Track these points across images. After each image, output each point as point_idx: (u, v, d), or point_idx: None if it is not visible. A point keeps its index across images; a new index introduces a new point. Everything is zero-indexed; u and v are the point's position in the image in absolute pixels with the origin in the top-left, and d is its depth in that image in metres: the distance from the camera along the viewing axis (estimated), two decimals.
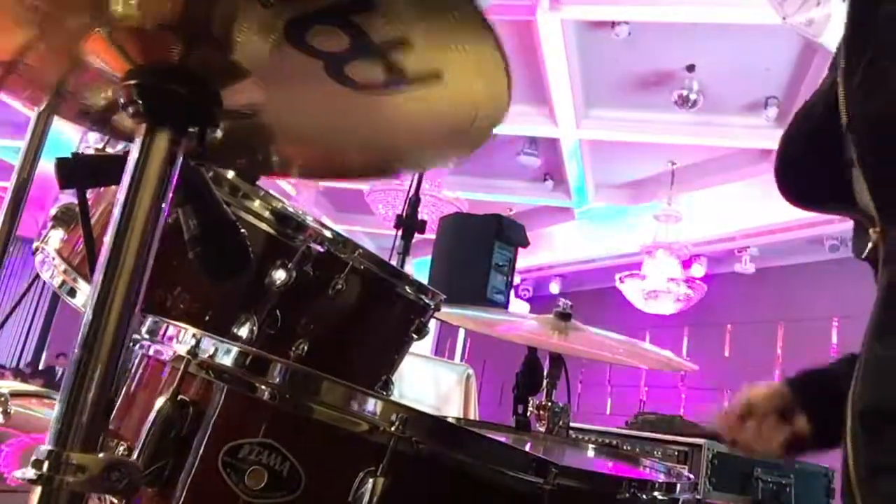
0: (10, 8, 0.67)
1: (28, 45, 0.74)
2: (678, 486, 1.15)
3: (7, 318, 2.17)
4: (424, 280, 1.46)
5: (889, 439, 0.73)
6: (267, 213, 1.18)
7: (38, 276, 1.39)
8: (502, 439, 1.34)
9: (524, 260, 5.83)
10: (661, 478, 1.39)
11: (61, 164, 0.84)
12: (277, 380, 0.85)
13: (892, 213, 0.79)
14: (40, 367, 8.25)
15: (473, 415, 3.61)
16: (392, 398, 1.17)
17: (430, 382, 3.47)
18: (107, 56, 0.70)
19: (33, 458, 0.62)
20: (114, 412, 0.92)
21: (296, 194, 7.99)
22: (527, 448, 1.49)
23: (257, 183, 1.18)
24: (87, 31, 0.68)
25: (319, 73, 0.69)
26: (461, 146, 0.83)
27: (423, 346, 2.20)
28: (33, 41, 0.72)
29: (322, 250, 1.21)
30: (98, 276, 0.66)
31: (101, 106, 0.85)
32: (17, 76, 0.80)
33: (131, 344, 0.94)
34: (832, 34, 3.64)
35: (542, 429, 1.86)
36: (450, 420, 1.62)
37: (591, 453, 1.67)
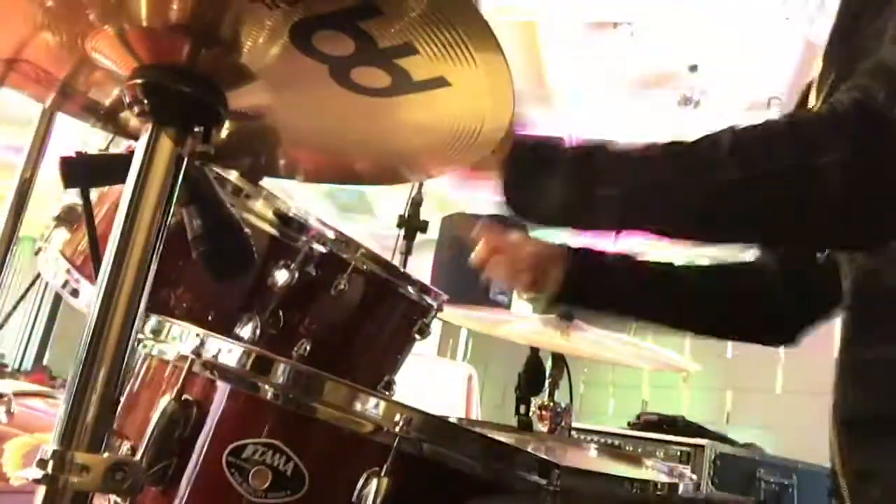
0: (18, 4, 0.67)
1: (35, 42, 0.74)
2: (680, 486, 1.15)
3: (9, 316, 2.17)
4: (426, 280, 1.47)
5: (876, 446, 0.73)
6: (269, 214, 1.18)
7: (39, 275, 1.39)
8: (505, 440, 1.34)
9: None
10: (664, 478, 1.38)
11: (65, 163, 0.84)
12: (281, 380, 0.85)
13: None
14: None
15: (475, 415, 3.61)
16: (395, 398, 1.17)
17: (431, 383, 3.47)
18: (114, 54, 0.70)
19: (38, 457, 0.62)
20: (118, 412, 0.93)
21: (297, 194, 7.98)
22: (529, 448, 1.49)
23: (260, 184, 1.18)
24: (94, 28, 0.68)
25: (325, 76, 0.69)
26: (467, 154, 0.83)
27: (427, 346, 2.20)
28: (41, 38, 0.72)
29: (324, 250, 1.21)
30: (103, 275, 0.66)
31: (106, 104, 0.86)
32: (22, 72, 0.80)
33: (136, 343, 0.94)
34: None
35: (545, 429, 1.86)
36: (452, 420, 1.62)
37: (593, 454, 1.67)
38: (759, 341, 1.24)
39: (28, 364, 8.85)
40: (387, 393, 1.39)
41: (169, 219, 0.70)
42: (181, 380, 0.86)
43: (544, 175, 0.89)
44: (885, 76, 0.73)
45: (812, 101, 0.94)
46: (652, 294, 1.21)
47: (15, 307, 1.86)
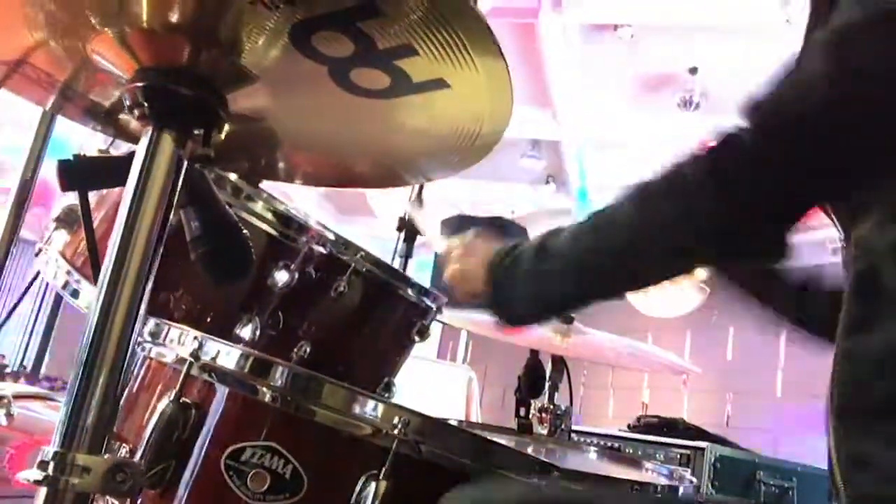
0: (19, 8, 0.68)
1: (36, 45, 0.74)
2: (680, 489, 1.15)
3: (8, 317, 2.16)
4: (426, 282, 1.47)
5: (866, 434, 0.74)
6: (269, 215, 1.18)
7: (38, 274, 1.39)
8: (504, 442, 1.34)
9: None
10: (664, 481, 1.38)
11: (63, 166, 0.84)
12: (279, 382, 0.85)
13: (846, 213, 0.82)
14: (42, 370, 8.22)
15: (475, 418, 3.61)
16: (394, 401, 1.17)
17: (432, 385, 3.47)
18: (114, 57, 0.70)
19: (39, 459, 0.62)
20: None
21: (296, 196, 7.98)
22: (529, 451, 1.49)
23: (260, 185, 1.18)
24: (95, 31, 0.68)
25: (324, 78, 0.69)
26: (466, 156, 0.83)
27: (427, 348, 2.20)
28: (42, 41, 0.73)
29: (324, 252, 1.21)
30: (104, 277, 0.67)
31: (107, 106, 0.86)
32: (24, 75, 0.80)
33: (136, 346, 0.94)
34: None
35: (545, 432, 1.86)
36: (452, 423, 1.62)
37: (593, 456, 1.67)
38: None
39: (28, 366, 8.85)
40: (386, 395, 1.39)
41: (169, 221, 0.70)
42: (180, 382, 0.86)
43: (513, 278, 0.93)
44: (765, 108, 0.79)
45: None
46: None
47: (13, 309, 1.86)
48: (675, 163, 0.84)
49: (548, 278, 0.91)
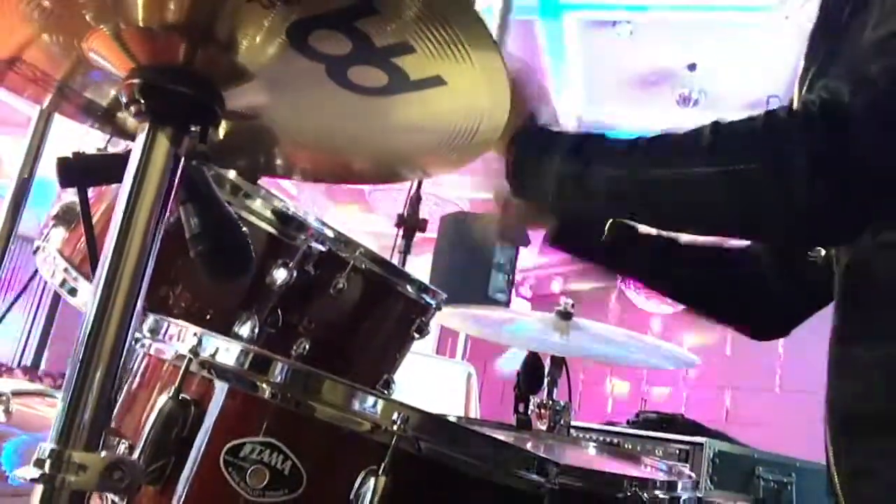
0: (16, 5, 0.68)
1: (33, 43, 0.74)
2: (679, 484, 1.15)
3: (6, 313, 2.16)
4: (425, 279, 1.47)
5: (867, 443, 0.74)
6: (268, 213, 1.18)
7: (36, 272, 1.39)
8: (503, 438, 1.34)
9: (526, 259, 5.82)
10: (663, 476, 1.39)
11: (62, 163, 0.84)
12: (279, 378, 0.85)
13: None
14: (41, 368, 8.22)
15: (474, 413, 3.61)
16: (393, 397, 1.17)
17: (430, 381, 3.47)
18: (110, 54, 0.70)
19: (35, 456, 0.62)
20: (115, 410, 0.93)
21: (297, 193, 7.96)
22: (528, 447, 1.49)
23: (258, 182, 1.18)
24: (91, 28, 0.68)
25: (322, 76, 0.70)
26: (465, 153, 0.83)
27: (425, 345, 2.21)
28: (38, 38, 0.72)
29: (323, 249, 1.21)
30: (100, 274, 0.67)
31: (104, 104, 0.86)
32: (20, 73, 0.80)
33: (133, 342, 0.94)
34: None
35: (544, 427, 1.86)
36: (451, 419, 1.62)
37: (592, 452, 1.67)
38: (749, 331, 1.23)
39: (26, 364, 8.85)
40: (386, 392, 1.39)
41: (165, 218, 0.70)
42: (179, 379, 0.86)
43: (545, 152, 0.94)
44: (853, 74, 0.72)
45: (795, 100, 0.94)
46: (655, 263, 1.21)
47: (9, 308, 1.86)
48: (760, 120, 0.78)
49: (579, 187, 0.90)
